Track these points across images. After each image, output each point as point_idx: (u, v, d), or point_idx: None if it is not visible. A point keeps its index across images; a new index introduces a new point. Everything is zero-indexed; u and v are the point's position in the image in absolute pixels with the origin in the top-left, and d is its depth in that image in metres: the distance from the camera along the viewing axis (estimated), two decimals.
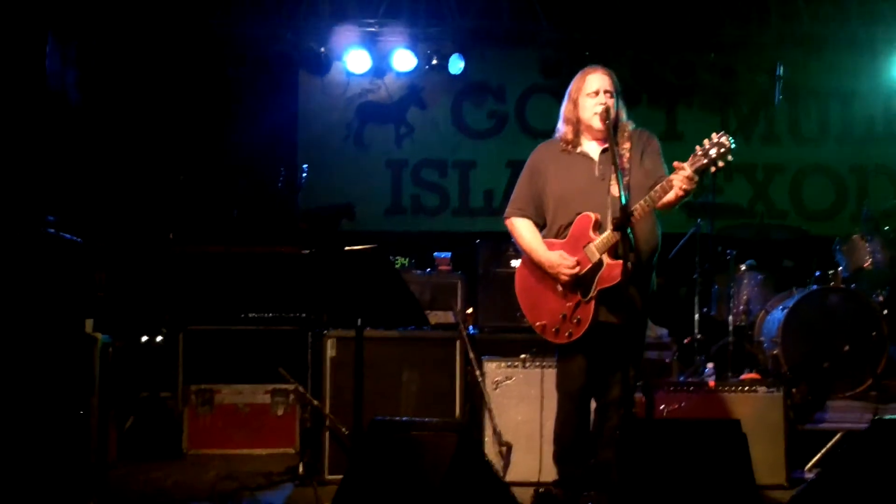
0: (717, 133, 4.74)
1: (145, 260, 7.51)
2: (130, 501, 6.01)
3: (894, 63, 9.47)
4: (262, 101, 9.46)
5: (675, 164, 4.83)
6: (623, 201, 4.69)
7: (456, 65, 9.22)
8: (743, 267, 8.08)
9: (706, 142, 4.73)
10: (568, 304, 5.08)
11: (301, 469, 6.38)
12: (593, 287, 5.00)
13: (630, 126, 5.19)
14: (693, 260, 8.03)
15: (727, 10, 9.28)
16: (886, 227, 7.74)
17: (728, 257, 8.00)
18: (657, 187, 4.87)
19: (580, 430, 5.28)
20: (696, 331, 7.96)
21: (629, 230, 4.74)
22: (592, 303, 5.01)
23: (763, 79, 9.41)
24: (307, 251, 6.04)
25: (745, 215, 8.70)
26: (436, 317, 6.90)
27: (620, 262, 4.78)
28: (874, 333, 7.12)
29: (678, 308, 8.33)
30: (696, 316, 7.99)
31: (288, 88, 9.62)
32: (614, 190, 4.90)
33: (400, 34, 9.08)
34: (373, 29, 9.08)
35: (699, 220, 8.02)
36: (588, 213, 5.03)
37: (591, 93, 5.11)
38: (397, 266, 7.38)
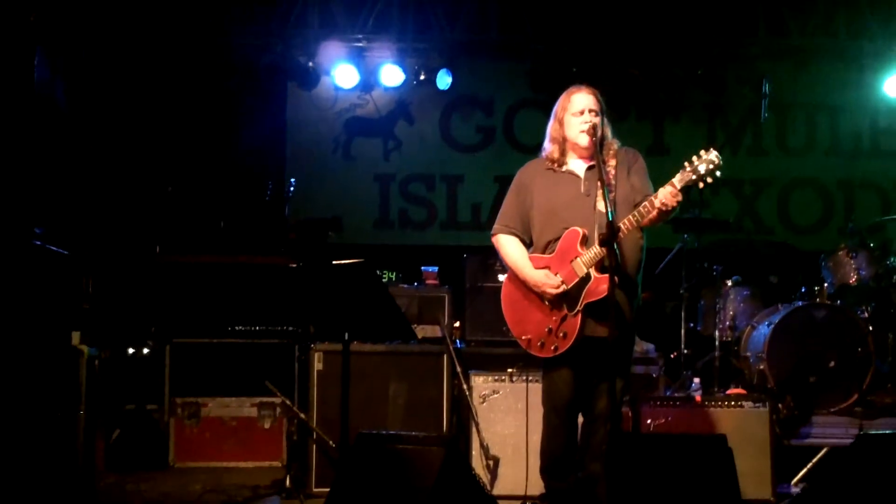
0: (706, 150, 4.76)
1: (132, 272, 7.51)
2: None
3: (882, 77, 9.50)
4: (251, 113, 9.45)
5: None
6: (609, 217, 4.71)
7: (444, 80, 9.23)
8: (729, 282, 8.08)
9: (695, 158, 4.76)
10: (554, 318, 5.10)
11: (288, 482, 6.38)
12: (580, 301, 5.02)
13: (616, 144, 5.23)
14: (680, 275, 8.04)
15: (715, 24, 9.31)
16: (872, 244, 7.77)
17: (714, 272, 8.02)
18: (645, 203, 4.90)
19: (566, 443, 5.27)
20: (683, 346, 7.98)
21: (616, 245, 4.76)
22: (579, 316, 5.03)
23: (750, 93, 9.43)
24: (294, 264, 6.04)
25: (731, 230, 8.73)
26: (423, 330, 6.90)
27: (607, 276, 4.78)
28: (860, 349, 7.14)
29: (665, 323, 8.35)
30: (683, 331, 8.00)
31: (277, 101, 9.61)
32: (600, 206, 4.94)
33: (388, 49, 9.09)
34: (361, 44, 9.09)
35: (685, 235, 8.03)
36: (576, 227, 5.06)
37: (577, 112, 5.16)
38: (384, 280, 7.38)
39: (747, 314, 7.92)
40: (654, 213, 4.86)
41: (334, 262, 5.15)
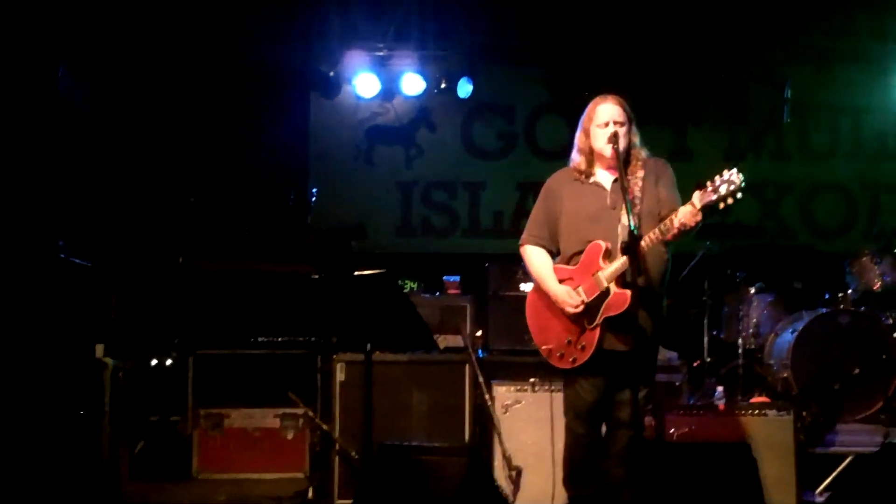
0: (729, 169, 4.72)
1: (156, 283, 7.54)
2: None
3: None
4: (274, 121, 9.46)
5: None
6: (631, 227, 4.70)
7: (464, 88, 9.22)
8: (752, 289, 8.04)
9: (717, 177, 4.71)
10: (574, 330, 5.09)
11: (310, 493, 6.40)
12: (599, 314, 5.01)
13: (644, 153, 5.19)
14: (702, 282, 8.02)
15: (736, 26, 9.28)
16: None
17: (737, 279, 7.99)
18: (665, 221, 4.88)
19: (588, 452, 5.25)
20: (706, 353, 7.96)
21: (639, 258, 4.76)
22: (598, 330, 5.02)
23: (772, 95, 9.39)
24: (317, 275, 6.06)
25: (754, 235, 8.68)
26: (445, 340, 6.90)
27: (628, 290, 4.82)
28: (884, 356, 7.10)
29: (688, 330, 8.31)
30: (706, 338, 7.98)
31: (299, 110, 9.62)
32: (625, 219, 4.90)
33: (409, 57, 9.09)
34: (381, 53, 9.09)
35: (708, 241, 7.99)
36: (598, 241, 5.04)
37: (602, 123, 5.12)
38: (406, 289, 7.39)
39: (770, 321, 7.89)
40: (675, 230, 4.85)
41: (356, 273, 5.15)
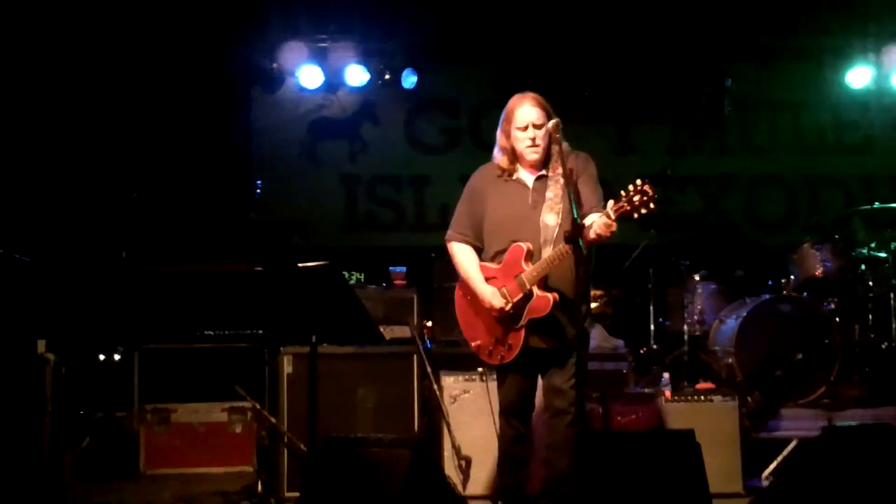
0: (642, 180, 4.71)
1: (99, 278, 7.46)
2: None
3: (842, 73, 9.58)
4: (216, 117, 9.39)
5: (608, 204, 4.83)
6: (575, 216, 4.71)
7: (409, 79, 9.22)
8: (696, 277, 8.11)
9: (630, 188, 4.70)
10: (501, 329, 5.19)
11: (259, 487, 6.36)
12: (524, 316, 5.10)
13: (567, 149, 5.19)
14: (647, 271, 8.08)
15: (677, 25, 9.36)
16: (836, 236, 7.82)
17: (682, 268, 8.06)
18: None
19: (516, 443, 5.33)
20: (652, 341, 8.02)
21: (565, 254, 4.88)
22: (523, 331, 5.12)
23: (714, 92, 9.48)
24: (261, 268, 6.02)
25: (698, 226, 8.76)
26: (392, 332, 6.88)
27: (548, 294, 5.00)
28: (826, 341, 7.19)
29: (634, 319, 8.37)
30: (652, 327, 8.05)
31: (241, 104, 9.56)
32: (547, 219, 5.06)
33: (352, 49, 9.08)
34: (324, 44, 9.07)
35: (652, 230, 8.04)
36: (521, 243, 5.12)
37: (521, 127, 5.18)
38: (352, 281, 7.37)
39: (715, 309, 7.95)
40: (590, 239, 4.84)
41: (300, 265, 5.13)
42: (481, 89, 9.68)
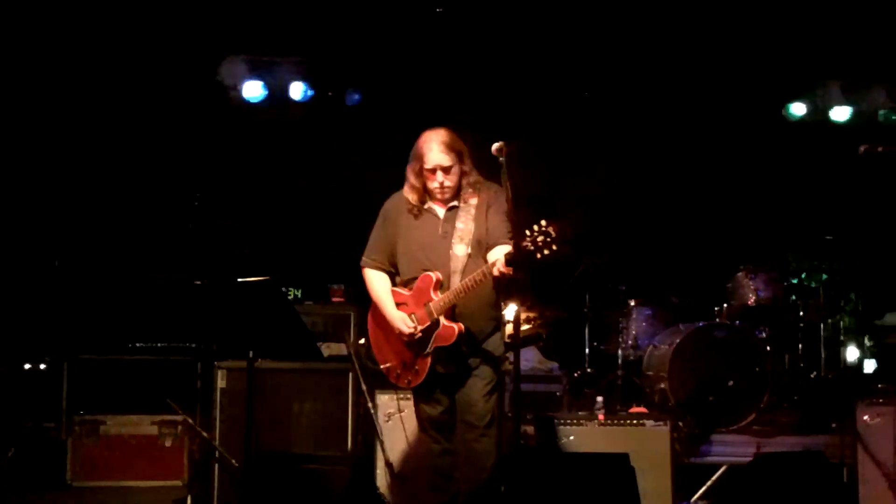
0: (546, 222, 4.69)
1: (29, 286, 7.35)
2: None
3: None
4: (161, 127, 9.30)
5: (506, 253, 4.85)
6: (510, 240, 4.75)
7: (352, 97, 9.24)
8: (632, 302, 8.20)
9: (535, 227, 4.71)
10: (409, 354, 5.26)
11: (189, 501, 6.29)
12: (430, 343, 5.17)
13: (478, 180, 5.26)
14: (584, 294, 8.14)
15: None
16: (770, 266, 7.95)
17: (619, 292, 8.13)
18: (483, 270, 4.95)
19: (443, 457, 5.37)
20: (587, 364, 8.07)
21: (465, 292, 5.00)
22: (429, 358, 5.19)
23: None
24: (199, 281, 5.97)
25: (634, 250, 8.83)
26: (329, 348, 6.88)
27: (454, 325, 5.09)
28: (757, 368, 7.31)
29: (569, 342, 8.42)
30: (587, 349, 8.10)
31: (186, 116, 9.47)
32: (457, 249, 5.14)
33: (296, 65, 9.06)
34: (268, 59, 9.04)
35: (588, 254, 8.10)
36: (430, 273, 5.18)
37: (429, 170, 5.21)
38: (290, 297, 7.33)
39: (650, 333, 8.05)
40: (495, 276, 4.93)
41: (239, 280, 5.09)
42: (424, 108, 9.64)
